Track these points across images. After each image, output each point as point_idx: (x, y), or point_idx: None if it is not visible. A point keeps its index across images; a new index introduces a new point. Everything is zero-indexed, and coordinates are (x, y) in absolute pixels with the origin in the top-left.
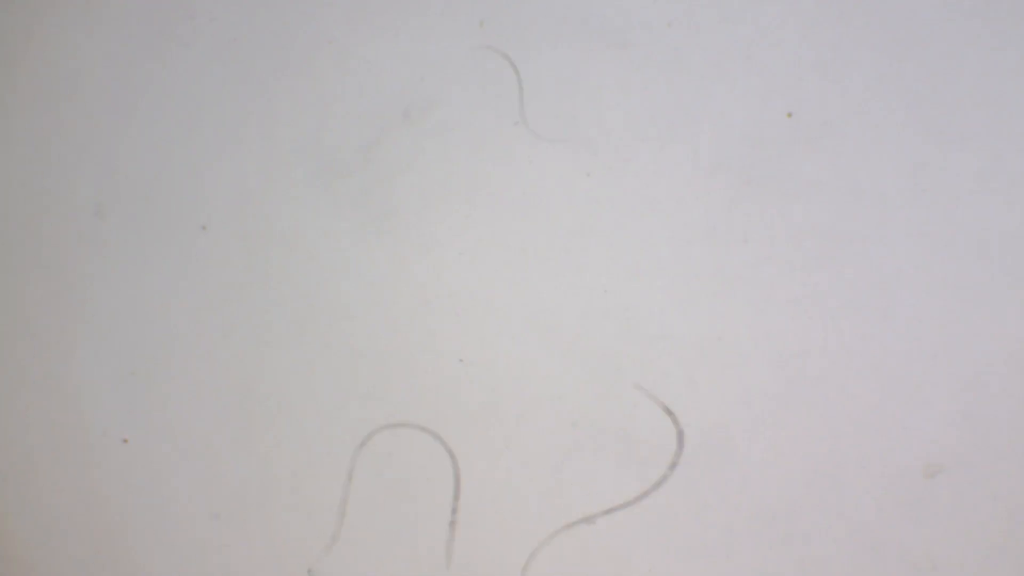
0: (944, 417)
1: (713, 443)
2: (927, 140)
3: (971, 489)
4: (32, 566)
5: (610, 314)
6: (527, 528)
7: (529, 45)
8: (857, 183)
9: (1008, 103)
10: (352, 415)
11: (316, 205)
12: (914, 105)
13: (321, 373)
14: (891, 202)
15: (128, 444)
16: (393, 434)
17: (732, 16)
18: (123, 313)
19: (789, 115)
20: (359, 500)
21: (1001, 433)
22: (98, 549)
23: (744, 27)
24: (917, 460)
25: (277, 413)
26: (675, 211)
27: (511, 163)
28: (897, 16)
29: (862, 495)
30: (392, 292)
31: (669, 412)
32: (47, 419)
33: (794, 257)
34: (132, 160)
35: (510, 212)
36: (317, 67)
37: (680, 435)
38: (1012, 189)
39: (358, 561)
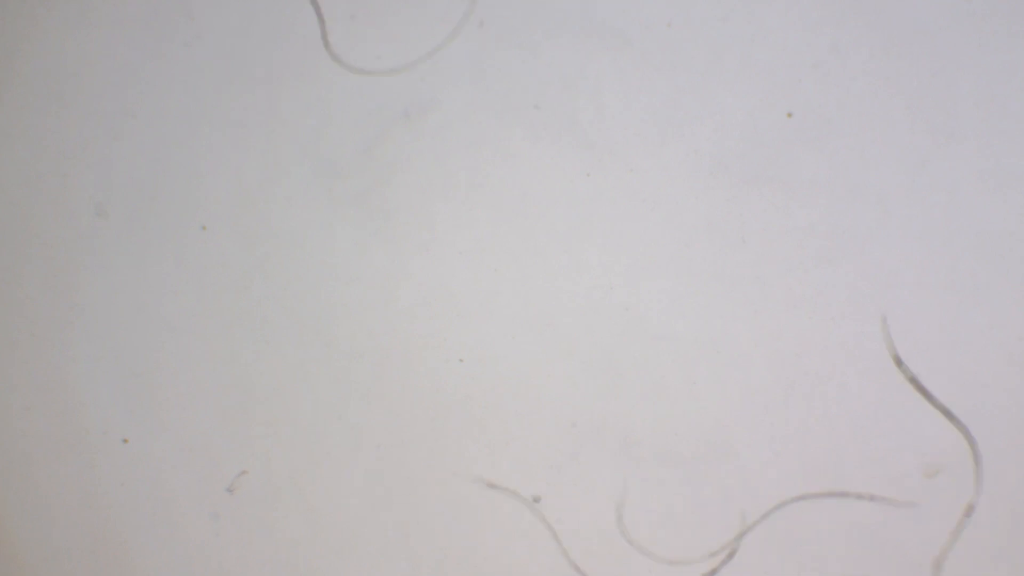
0: (944, 417)
1: (713, 443)
2: (927, 139)
3: (971, 489)
4: (32, 566)
5: (610, 314)
6: (526, 528)
7: (529, 45)
8: (857, 182)
9: (1008, 102)
10: (352, 415)
11: (316, 205)
12: (914, 104)
13: (321, 373)
14: (891, 201)
15: (128, 444)
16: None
17: (732, 16)
18: (123, 313)
19: (789, 115)
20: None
21: (1001, 433)
22: (98, 549)
23: (744, 27)
24: (917, 460)
25: (277, 413)
26: (675, 211)
27: (511, 163)
28: (897, 16)
29: (862, 495)
30: (392, 292)
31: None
32: (47, 419)
33: (794, 257)
34: (132, 160)
35: (510, 212)
36: (317, 67)
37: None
38: (1013, 189)
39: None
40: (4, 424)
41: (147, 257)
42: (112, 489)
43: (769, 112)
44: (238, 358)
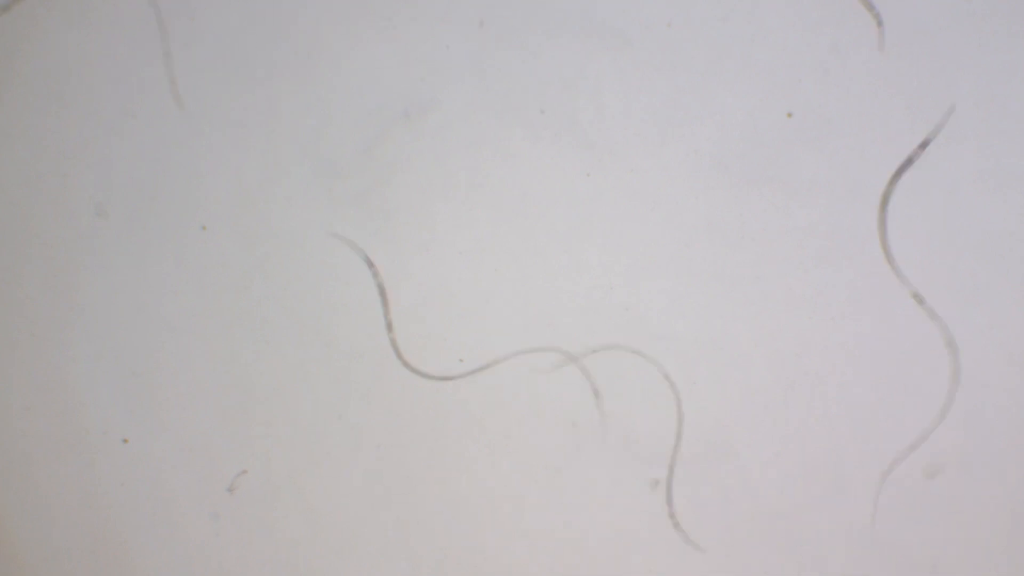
0: (944, 417)
1: (713, 443)
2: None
3: (971, 489)
4: (32, 566)
5: (610, 314)
6: (526, 528)
7: (529, 45)
8: (857, 182)
9: (1008, 102)
10: (352, 415)
11: (316, 205)
12: (914, 104)
13: (321, 373)
14: (891, 201)
15: (128, 444)
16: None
17: (732, 16)
18: (123, 313)
19: (789, 115)
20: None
21: (1001, 433)
22: (98, 549)
23: (744, 27)
24: (917, 460)
25: (277, 413)
26: (675, 211)
27: (511, 163)
28: (897, 16)
29: (862, 495)
30: (392, 292)
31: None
32: (47, 419)
33: (794, 257)
34: (132, 160)
35: (510, 212)
36: (317, 67)
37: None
38: (1013, 188)
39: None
40: (4, 424)
41: (147, 257)
42: (112, 489)
43: (769, 112)
44: (238, 358)
